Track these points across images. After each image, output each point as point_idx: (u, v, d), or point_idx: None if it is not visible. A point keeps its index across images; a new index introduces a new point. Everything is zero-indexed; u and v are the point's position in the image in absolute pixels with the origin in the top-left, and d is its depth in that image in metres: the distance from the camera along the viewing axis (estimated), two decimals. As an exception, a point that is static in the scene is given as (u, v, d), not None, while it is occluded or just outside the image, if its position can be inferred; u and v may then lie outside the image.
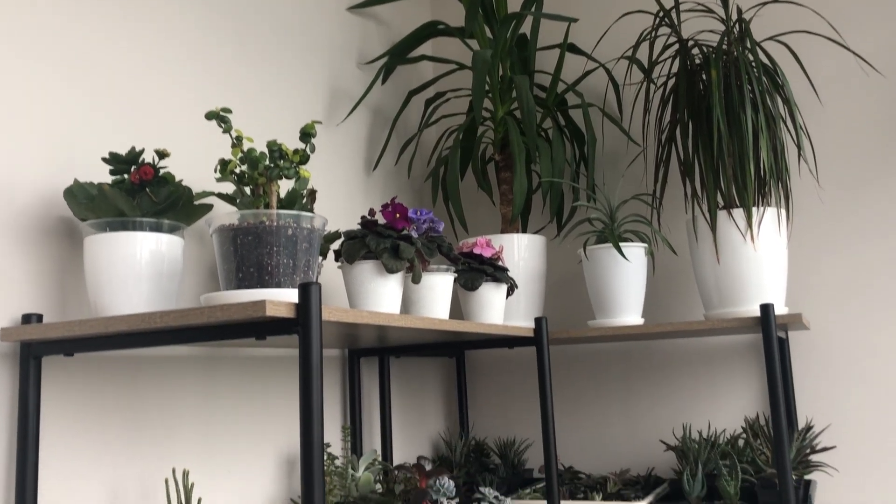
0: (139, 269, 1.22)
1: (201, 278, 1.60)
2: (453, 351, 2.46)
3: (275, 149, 1.29)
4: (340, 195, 2.09)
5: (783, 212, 1.86)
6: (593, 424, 2.34)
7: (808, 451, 1.86)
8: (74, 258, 1.34)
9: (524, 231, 2.23)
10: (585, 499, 1.93)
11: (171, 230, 1.27)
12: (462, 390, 2.46)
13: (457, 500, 1.67)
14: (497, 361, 2.49)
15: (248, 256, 1.17)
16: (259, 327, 1.07)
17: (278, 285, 1.17)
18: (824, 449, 1.89)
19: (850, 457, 2.05)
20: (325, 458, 1.79)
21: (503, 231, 2.16)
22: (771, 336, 1.68)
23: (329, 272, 1.96)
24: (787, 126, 2.08)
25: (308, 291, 1.05)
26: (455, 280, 1.74)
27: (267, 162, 1.29)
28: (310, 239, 1.21)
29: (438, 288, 1.57)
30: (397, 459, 2.18)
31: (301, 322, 1.04)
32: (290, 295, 1.15)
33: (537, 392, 1.79)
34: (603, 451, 2.31)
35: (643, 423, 2.28)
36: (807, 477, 1.97)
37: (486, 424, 2.47)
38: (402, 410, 2.26)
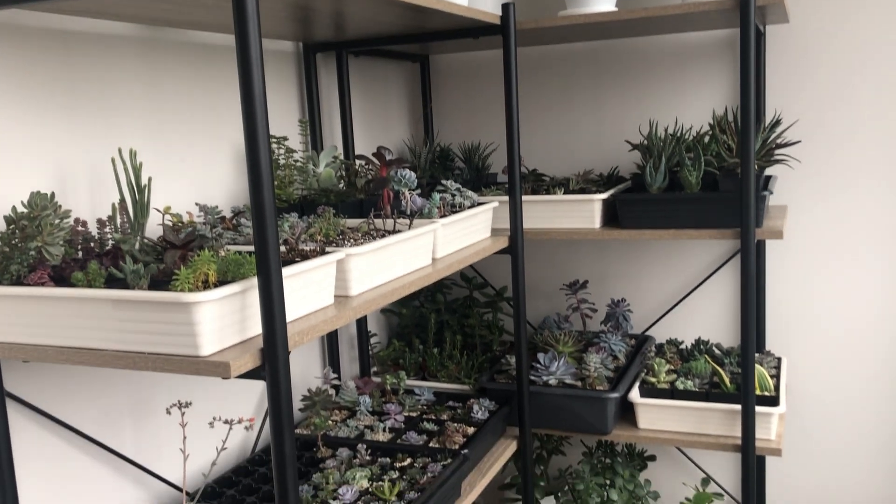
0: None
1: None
2: (416, 56, 2.34)
3: None
4: None
5: None
6: (559, 129, 2.31)
7: (772, 145, 1.85)
8: None
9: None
10: (548, 194, 1.94)
11: None
12: (426, 96, 2.38)
13: (418, 191, 1.65)
14: (463, 67, 2.39)
15: None
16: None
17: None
18: (789, 144, 1.88)
19: (813, 153, 2.06)
20: (283, 151, 1.75)
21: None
22: (749, 15, 1.58)
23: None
24: None
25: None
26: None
27: None
28: None
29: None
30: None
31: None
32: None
33: (503, 96, 1.72)
34: (568, 156, 2.30)
35: (610, 126, 2.24)
36: (767, 172, 1.98)
37: (451, 131, 2.42)
38: (365, 114, 2.19)
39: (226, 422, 1.37)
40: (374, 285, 1.36)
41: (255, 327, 1.06)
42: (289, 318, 1.07)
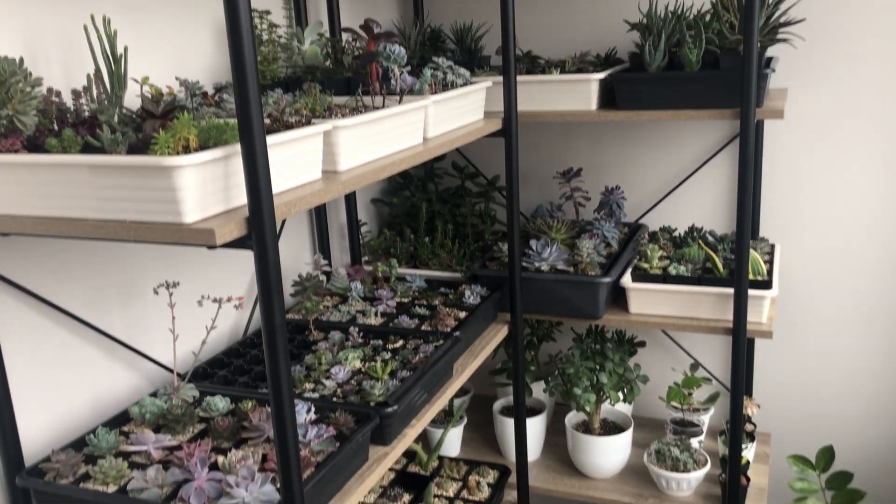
0: None
1: None
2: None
3: None
4: None
5: None
6: (555, 9, 2.21)
7: (776, 23, 1.78)
8: None
9: None
10: (543, 73, 1.88)
11: None
12: (416, -26, 2.28)
13: (408, 68, 1.58)
14: (454, -57, 2.27)
15: None
16: None
17: None
18: (793, 22, 1.80)
19: (816, 34, 1.98)
20: (266, 26, 1.67)
21: None
22: None
23: None
24: None
25: None
26: None
27: None
28: None
29: None
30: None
31: None
32: None
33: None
34: (564, 38, 2.22)
35: (607, 6, 2.15)
36: (769, 53, 1.91)
37: (442, 11, 2.32)
38: (351, -7, 2.09)
39: (215, 300, 1.35)
40: (363, 161, 1.32)
41: (241, 197, 1.02)
42: (275, 189, 1.03)
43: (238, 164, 0.99)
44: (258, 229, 0.96)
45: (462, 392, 2.33)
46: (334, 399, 1.42)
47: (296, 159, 1.14)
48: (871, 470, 2.18)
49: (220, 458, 1.18)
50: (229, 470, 1.15)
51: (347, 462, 1.25)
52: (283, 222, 1.87)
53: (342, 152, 1.26)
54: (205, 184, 0.97)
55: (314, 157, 1.19)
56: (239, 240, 0.98)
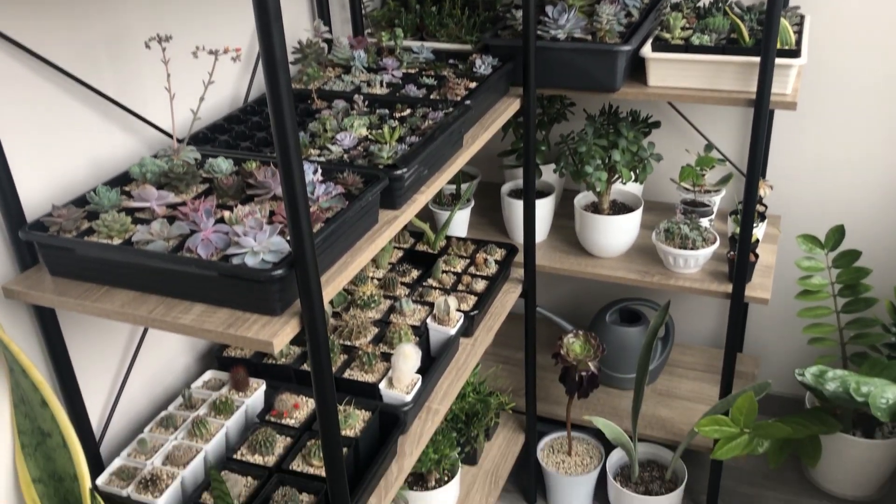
0: None
1: None
2: None
3: None
4: None
5: None
6: None
7: None
8: None
9: None
10: None
11: None
12: None
13: None
14: None
15: None
16: None
17: None
18: None
19: None
20: None
21: None
22: None
23: None
24: None
25: None
26: None
27: None
28: None
29: None
30: None
31: None
32: None
33: None
34: None
35: None
36: None
37: None
38: None
39: (211, 52, 1.26)
40: None
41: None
42: None
43: None
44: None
45: (469, 178, 2.29)
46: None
47: None
48: (880, 250, 2.18)
49: (227, 213, 1.15)
50: (236, 223, 1.12)
51: (357, 220, 1.22)
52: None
53: None
54: None
55: None
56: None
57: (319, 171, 1.25)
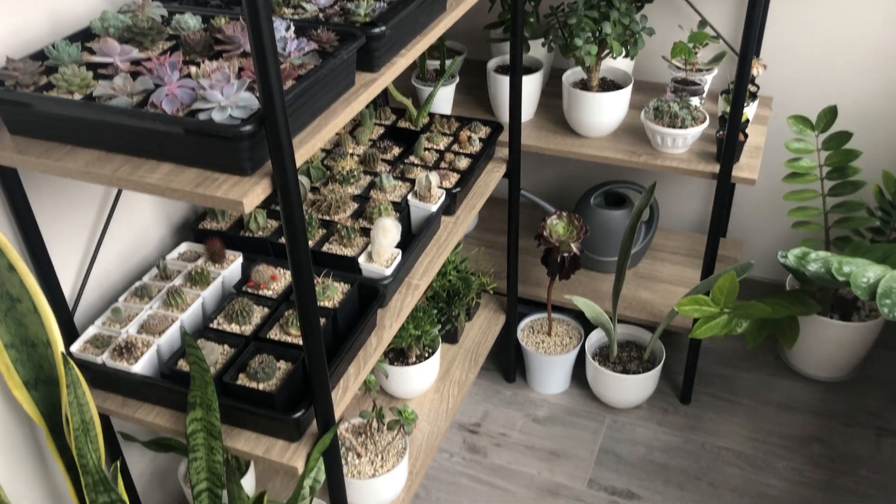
0: None
1: None
2: None
3: None
4: None
5: None
6: None
7: None
8: None
9: None
10: None
11: None
12: None
13: None
14: None
15: None
16: None
17: None
18: None
19: None
20: None
21: None
22: None
23: None
24: None
25: None
26: None
27: None
28: None
29: None
30: None
31: None
32: None
33: None
34: None
35: None
36: None
37: None
38: None
39: None
40: None
41: None
42: None
43: None
44: None
45: (455, 54, 2.21)
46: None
47: None
48: (871, 133, 2.14)
49: (193, 69, 1.09)
50: (203, 77, 1.06)
51: (332, 80, 1.16)
52: None
53: None
54: None
55: None
56: None
57: (293, 27, 1.18)
